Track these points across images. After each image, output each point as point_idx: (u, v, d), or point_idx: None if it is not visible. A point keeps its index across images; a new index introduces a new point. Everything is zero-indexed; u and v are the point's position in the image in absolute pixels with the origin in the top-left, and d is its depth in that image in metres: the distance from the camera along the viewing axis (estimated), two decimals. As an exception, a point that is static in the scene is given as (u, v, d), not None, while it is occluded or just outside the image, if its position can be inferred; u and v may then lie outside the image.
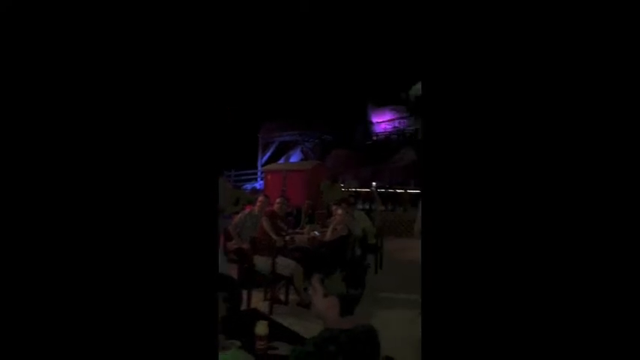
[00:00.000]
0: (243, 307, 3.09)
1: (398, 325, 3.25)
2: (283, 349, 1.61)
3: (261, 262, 3.72)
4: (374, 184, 10.19)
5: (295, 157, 15.23)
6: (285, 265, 3.68)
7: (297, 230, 4.73)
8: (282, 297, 3.85)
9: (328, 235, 4.13)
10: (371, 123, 16.56)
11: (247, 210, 4.58)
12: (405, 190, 10.42)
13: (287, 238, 4.10)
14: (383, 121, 16.36)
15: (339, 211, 4.35)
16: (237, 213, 4.72)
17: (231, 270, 3.60)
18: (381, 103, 16.07)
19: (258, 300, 3.78)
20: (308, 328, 1.79)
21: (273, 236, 3.97)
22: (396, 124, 15.89)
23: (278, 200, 4.52)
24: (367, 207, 9.05)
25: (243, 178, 13.45)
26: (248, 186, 12.88)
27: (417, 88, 15.01)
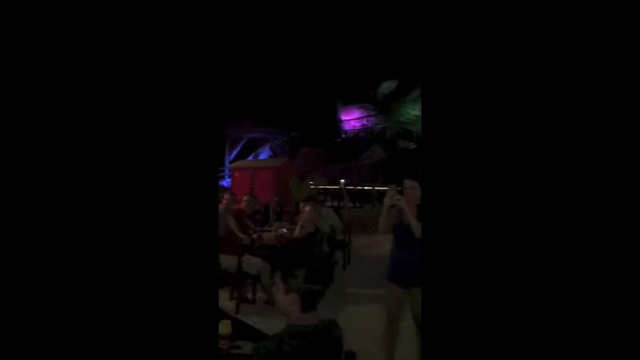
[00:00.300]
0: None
1: (363, 320, 3.30)
2: (247, 347, 1.59)
3: (227, 261, 3.67)
4: (342, 181, 10.27)
5: (264, 154, 15.09)
6: (252, 263, 3.64)
7: (265, 228, 4.70)
8: (249, 295, 3.81)
9: (296, 233, 4.12)
10: (340, 121, 16.68)
11: (213, 208, 4.49)
12: (373, 187, 10.57)
13: (254, 236, 4.06)
14: (352, 118, 16.50)
15: (307, 209, 4.35)
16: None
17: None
18: (350, 101, 16.20)
19: (224, 299, 3.73)
20: (273, 326, 1.78)
21: (240, 234, 3.92)
22: (365, 122, 16.08)
23: (245, 198, 4.46)
24: (336, 204, 9.11)
25: (210, 175, 13.15)
26: (215, 184, 12.61)
27: (385, 87, 15.25)
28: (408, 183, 2.41)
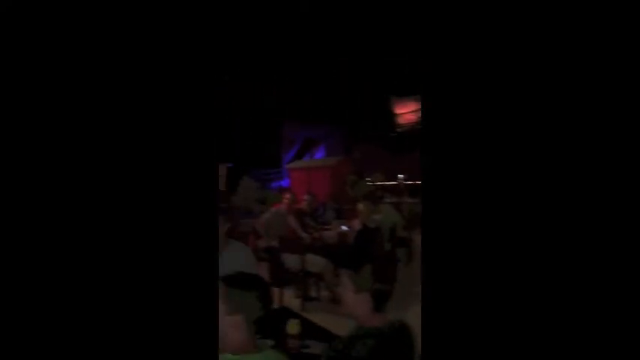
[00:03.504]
0: (274, 305, 3.10)
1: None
2: (315, 347, 1.59)
3: (291, 260, 3.73)
4: (401, 176, 10.03)
5: (320, 153, 15.22)
6: (315, 262, 3.67)
7: (325, 227, 4.72)
8: (313, 293, 3.85)
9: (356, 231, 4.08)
10: (394, 114, 16.30)
11: (274, 208, 4.60)
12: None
13: (315, 234, 4.09)
14: (407, 112, 16.05)
15: (363, 206, 4.30)
16: (264, 212, 4.75)
17: (261, 268, 3.62)
18: (404, 94, 15.76)
19: (289, 297, 3.79)
20: (340, 325, 1.77)
21: (301, 234, 3.96)
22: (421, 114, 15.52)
23: (305, 197, 4.51)
24: (395, 200, 8.92)
25: (268, 177, 13.54)
26: (274, 184, 12.99)
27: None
28: None
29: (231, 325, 1.07)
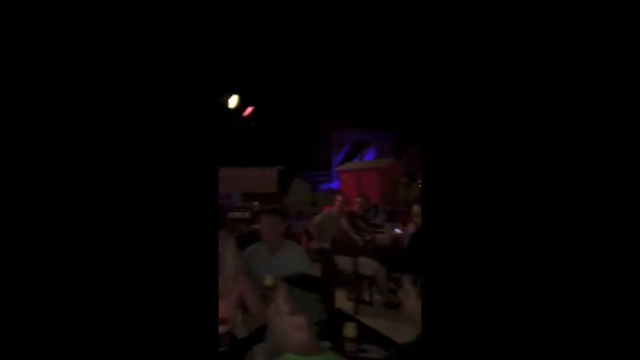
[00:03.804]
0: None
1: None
2: (373, 352, 1.57)
3: (343, 262, 3.72)
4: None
5: (370, 155, 15.09)
6: (368, 265, 3.63)
7: (377, 229, 4.66)
8: (366, 297, 3.81)
9: (410, 234, 3.99)
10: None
11: (326, 210, 4.62)
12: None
13: (367, 237, 4.05)
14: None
15: (418, 208, 4.19)
16: (315, 214, 4.79)
17: (313, 270, 3.66)
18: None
19: (342, 300, 3.78)
20: (396, 331, 1.73)
21: (354, 236, 3.94)
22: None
23: (358, 199, 4.49)
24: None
25: (318, 179, 13.64)
26: (324, 187, 13.06)
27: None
28: None
29: (294, 326, 1.07)
